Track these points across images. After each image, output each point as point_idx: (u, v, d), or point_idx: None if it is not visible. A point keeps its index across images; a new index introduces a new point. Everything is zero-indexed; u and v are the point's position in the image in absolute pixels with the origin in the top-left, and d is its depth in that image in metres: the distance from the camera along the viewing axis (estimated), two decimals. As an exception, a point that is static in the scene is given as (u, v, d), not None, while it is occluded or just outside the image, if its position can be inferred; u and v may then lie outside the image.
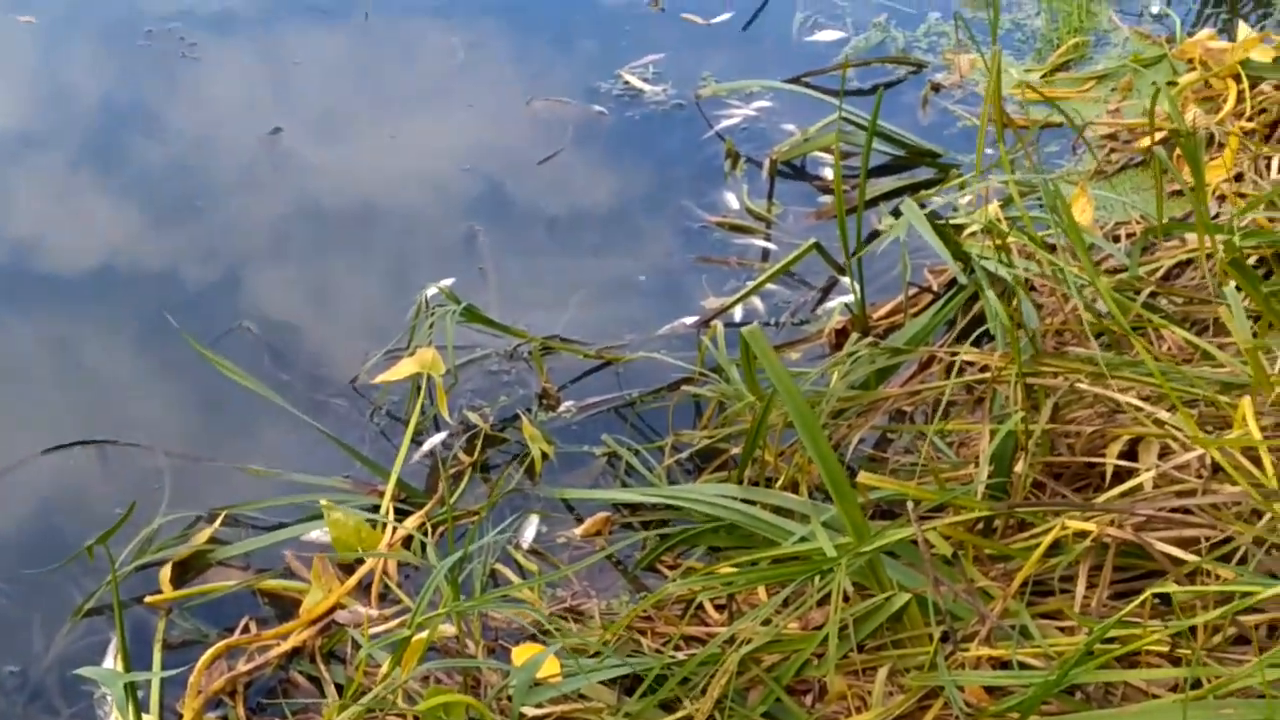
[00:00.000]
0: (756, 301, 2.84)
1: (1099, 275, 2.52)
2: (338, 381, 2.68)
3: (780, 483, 2.29)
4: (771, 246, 2.98)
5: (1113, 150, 3.13)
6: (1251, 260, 2.61)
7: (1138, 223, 2.86)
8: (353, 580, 2.25)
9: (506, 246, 3.00)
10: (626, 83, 3.46)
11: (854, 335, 2.66)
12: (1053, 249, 2.61)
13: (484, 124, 3.39)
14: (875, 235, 2.94)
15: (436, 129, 3.37)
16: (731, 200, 3.11)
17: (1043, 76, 3.42)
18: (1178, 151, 2.98)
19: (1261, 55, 3.21)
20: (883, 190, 3.11)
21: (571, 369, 2.70)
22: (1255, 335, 2.20)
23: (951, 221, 2.84)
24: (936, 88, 3.42)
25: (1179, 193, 2.98)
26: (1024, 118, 3.26)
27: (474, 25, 3.72)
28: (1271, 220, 2.63)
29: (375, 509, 2.37)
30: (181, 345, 2.63)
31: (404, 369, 2.53)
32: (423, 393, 2.54)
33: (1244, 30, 3.32)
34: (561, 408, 2.61)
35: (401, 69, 3.62)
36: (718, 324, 2.71)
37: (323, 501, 2.32)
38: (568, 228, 3.08)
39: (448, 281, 2.81)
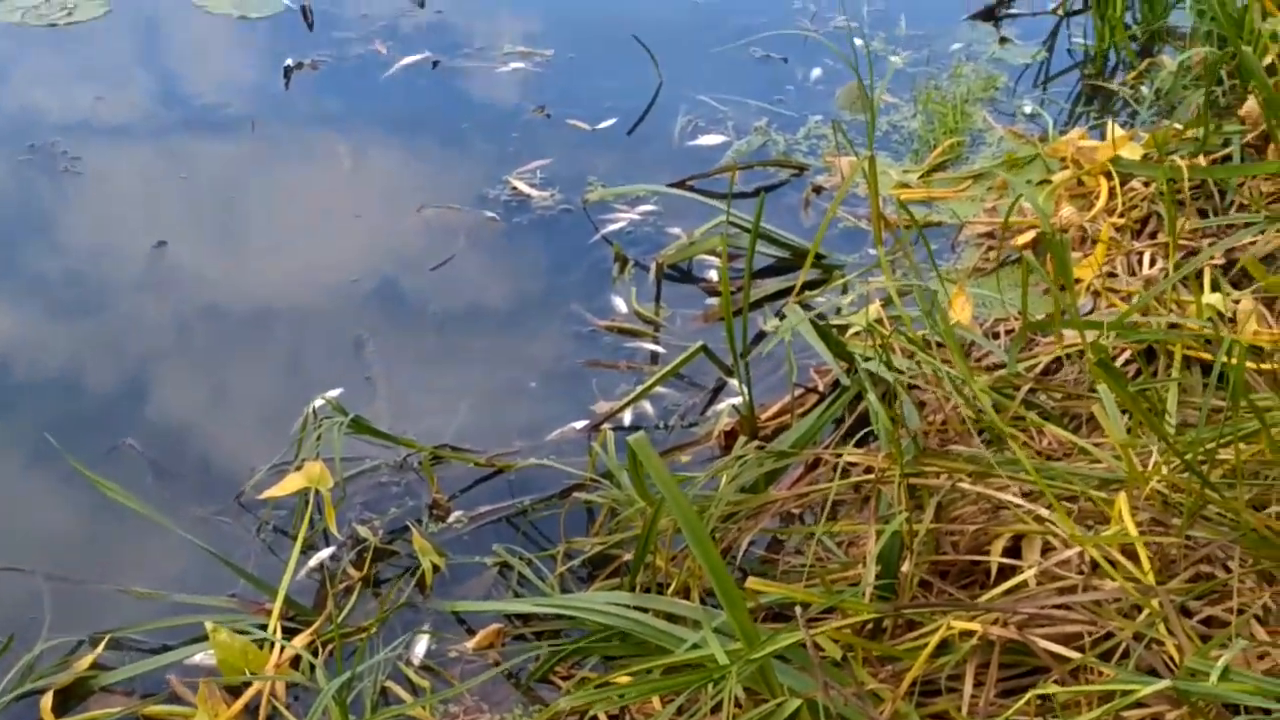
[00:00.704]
0: (646, 405, 2.86)
1: (977, 373, 2.58)
2: (224, 497, 2.64)
3: (672, 588, 2.29)
4: (660, 350, 3.00)
5: (990, 248, 3.20)
6: (1128, 355, 2.69)
7: (1015, 319, 2.92)
8: (239, 704, 2.21)
9: (397, 354, 2.99)
10: (515, 189, 3.49)
11: (743, 437, 2.68)
12: (935, 346, 2.67)
13: (374, 232, 3.39)
14: (762, 336, 2.98)
15: (326, 238, 3.37)
16: (620, 304, 3.13)
17: (921, 177, 3.50)
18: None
19: (1130, 153, 3.31)
20: (768, 291, 3.15)
21: (462, 478, 2.69)
22: (1130, 431, 2.25)
23: (835, 322, 2.89)
24: (818, 189, 3.49)
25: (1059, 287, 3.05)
26: (903, 218, 3.33)
27: (362, 134, 3.74)
28: (1145, 314, 2.71)
29: (263, 628, 2.33)
30: (62, 463, 2.59)
31: (290, 484, 2.50)
32: (310, 506, 2.51)
33: (1114, 129, 3.43)
34: (452, 518, 2.60)
35: (290, 179, 3.62)
36: (608, 429, 2.71)
37: (208, 624, 2.27)
38: (458, 334, 3.08)
39: (335, 392, 2.79)
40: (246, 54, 4.14)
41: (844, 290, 3.13)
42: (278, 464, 2.64)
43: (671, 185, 3.44)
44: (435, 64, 4.02)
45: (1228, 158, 3.29)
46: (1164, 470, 2.07)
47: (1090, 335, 2.55)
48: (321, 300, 3.16)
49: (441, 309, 3.14)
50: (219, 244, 3.34)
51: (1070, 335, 2.67)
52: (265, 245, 3.34)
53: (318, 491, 2.51)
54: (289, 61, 4.01)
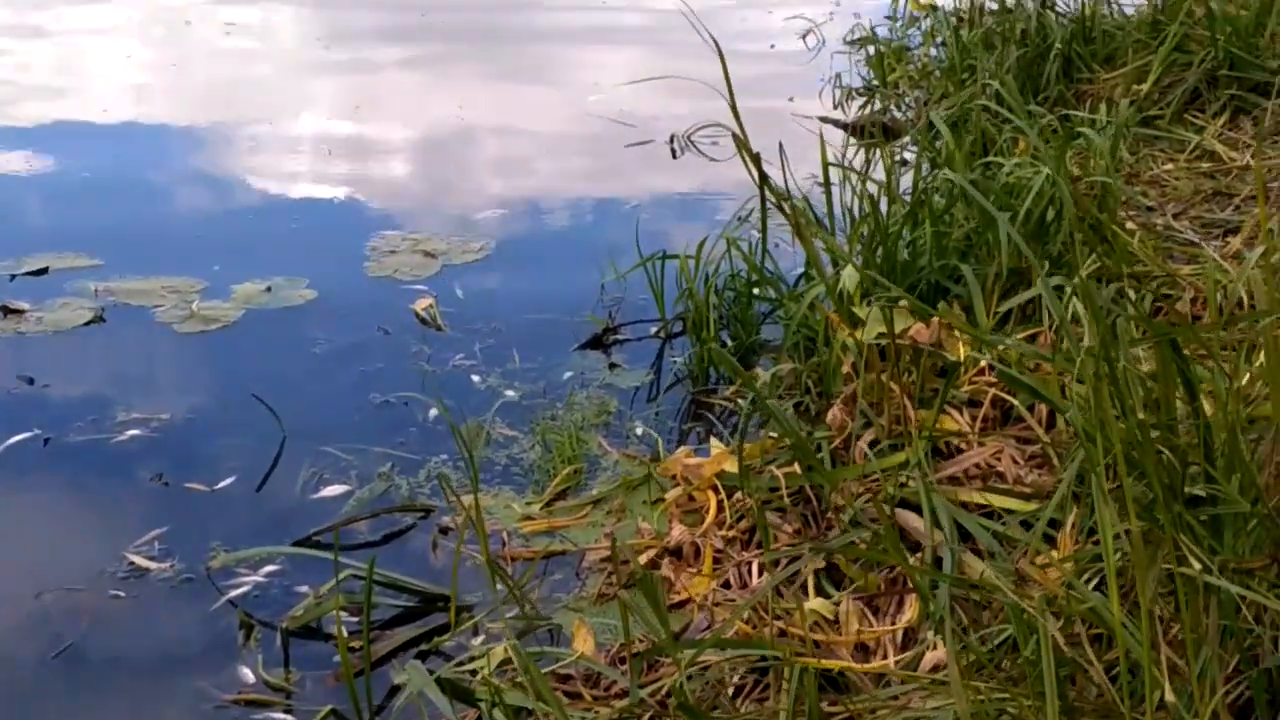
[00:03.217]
0: (279, 778, 2.78)
1: (604, 704, 2.63)
2: None
3: None
4: (289, 719, 2.93)
5: (611, 572, 3.30)
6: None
7: (640, 641, 3.00)
8: None
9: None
10: (132, 563, 3.40)
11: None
12: (563, 681, 2.71)
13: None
14: (398, 689, 2.96)
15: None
16: (247, 674, 3.05)
17: (543, 507, 3.60)
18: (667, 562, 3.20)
19: (732, 467, 3.51)
20: (399, 641, 3.14)
21: None
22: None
23: (463, 665, 2.90)
24: (445, 530, 3.54)
25: (682, 603, 3.16)
26: (528, 549, 3.41)
27: (-34, 521, 3.59)
28: (754, 626, 2.83)
29: None
30: None
31: None
32: None
33: (716, 445, 3.63)
34: None
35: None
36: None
37: None
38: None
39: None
40: None
41: (475, 631, 3.15)
42: None
43: (296, 543, 3.42)
44: (46, 441, 3.93)
45: (821, 463, 3.52)
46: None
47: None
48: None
49: (58, 705, 2.99)
50: None
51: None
52: None
53: None
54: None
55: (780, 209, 3.69)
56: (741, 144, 3.39)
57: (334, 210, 5.68)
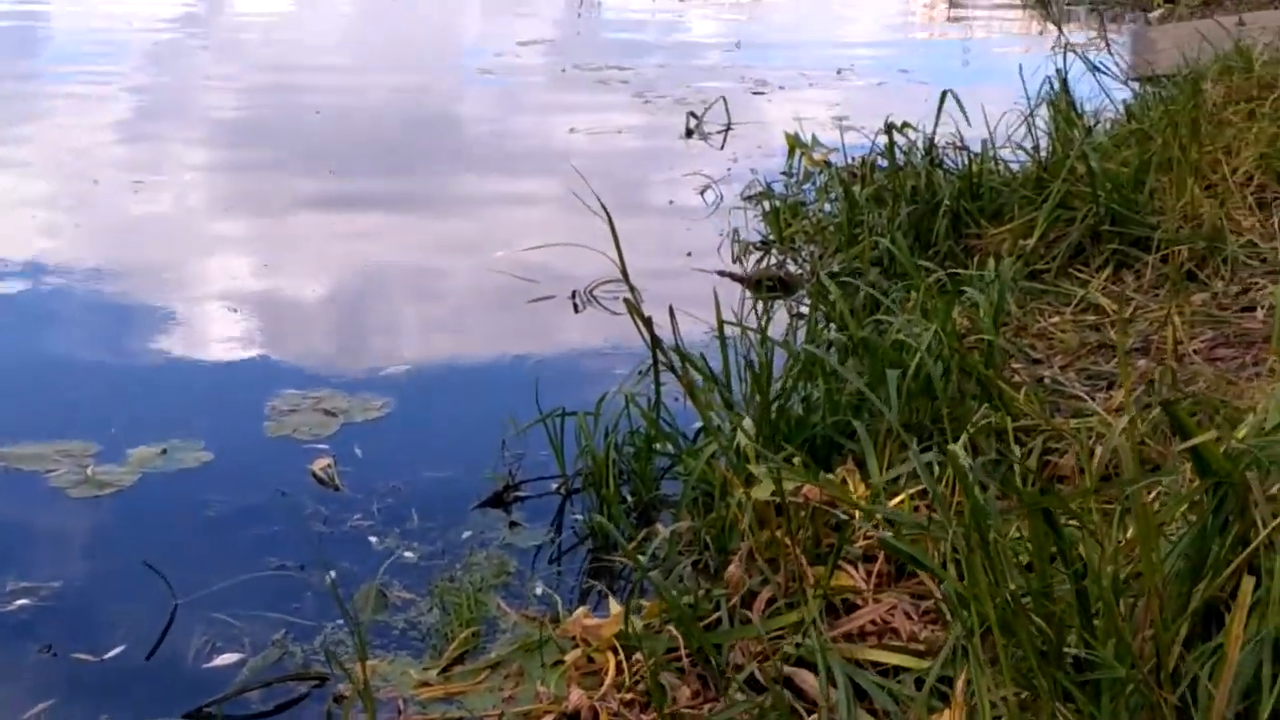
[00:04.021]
0: None
1: None
2: None
3: None
4: None
5: (509, 739, 3.27)
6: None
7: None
8: None
9: None
10: (16, 740, 3.31)
11: None
12: None
13: None
14: None
15: None
16: None
17: (440, 673, 3.57)
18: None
19: (630, 626, 3.50)
20: (291, 817, 3.08)
21: None
22: None
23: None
24: (339, 699, 3.48)
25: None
26: (423, 717, 3.37)
27: None
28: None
29: None
30: None
31: None
32: None
33: (615, 605, 3.63)
34: None
35: None
36: None
37: None
38: None
39: None
40: None
41: (369, 806, 3.09)
42: None
43: (186, 716, 3.36)
44: (-74, 614, 3.84)
45: (719, 620, 3.53)
46: None
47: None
48: None
49: None
50: None
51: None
52: None
53: None
54: None
55: (672, 371, 3.75)
56: (633, 308, 3.46)
57: (236, 369, 5.66)
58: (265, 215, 7.35)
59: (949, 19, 13.55)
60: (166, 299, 6.30)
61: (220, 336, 5.94)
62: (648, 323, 3.69)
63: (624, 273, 3.57)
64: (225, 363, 5.71)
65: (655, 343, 3.76)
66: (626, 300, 3.57)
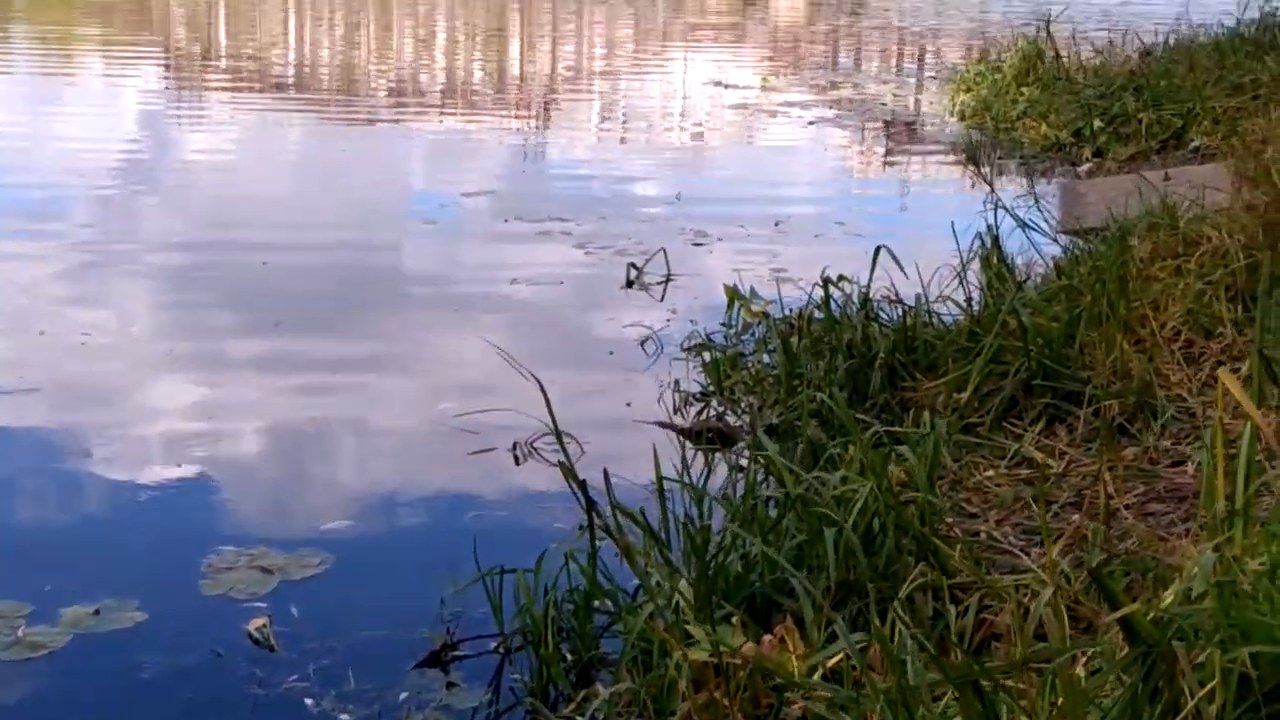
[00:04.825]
0: None
1: None
2: None
3: None
4: None
5: None
6: None
7: None
8: None
9: None
10: None
11: None
12: None
13: None
14: None
15: None
16: None
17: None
18: None
19: (568, 793, 3.47)
20: None
21: None
22: None
23: None
24: None
25: None
26: None
27: None
28: None
29: None
30: None
31: None
32: None
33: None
34: None
35: None
36: None
37: None
38: None
39: None
40: None
41: None
42: None
43: None
44: None
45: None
46: None
47: None
48: None
49: None
50: None
51: None
52: None
53: None
54: None
55: (608, 532, 3.77)
56: (567, 472, 3.49)
57: (173, 525, 5.61)
58: (209, 369, 7.35)
59: (884, 164, 13.88)
60: (107, 454, 6.26)
61: (159, 493, 5.89)
62: (582, 485, 3.72)
63: (558, 434, 3.61)
64: (163, 520, 5.67)
65: (590, 505, 3.78)
66: (561, 464, 3.60)
